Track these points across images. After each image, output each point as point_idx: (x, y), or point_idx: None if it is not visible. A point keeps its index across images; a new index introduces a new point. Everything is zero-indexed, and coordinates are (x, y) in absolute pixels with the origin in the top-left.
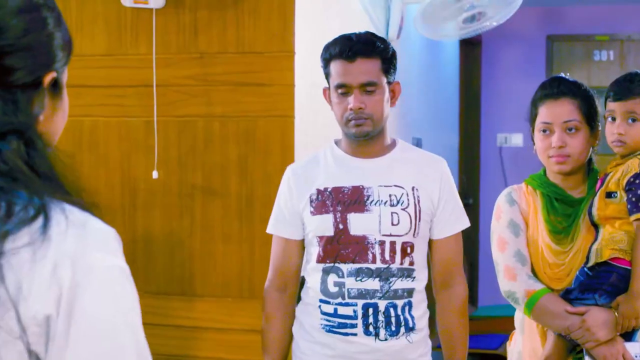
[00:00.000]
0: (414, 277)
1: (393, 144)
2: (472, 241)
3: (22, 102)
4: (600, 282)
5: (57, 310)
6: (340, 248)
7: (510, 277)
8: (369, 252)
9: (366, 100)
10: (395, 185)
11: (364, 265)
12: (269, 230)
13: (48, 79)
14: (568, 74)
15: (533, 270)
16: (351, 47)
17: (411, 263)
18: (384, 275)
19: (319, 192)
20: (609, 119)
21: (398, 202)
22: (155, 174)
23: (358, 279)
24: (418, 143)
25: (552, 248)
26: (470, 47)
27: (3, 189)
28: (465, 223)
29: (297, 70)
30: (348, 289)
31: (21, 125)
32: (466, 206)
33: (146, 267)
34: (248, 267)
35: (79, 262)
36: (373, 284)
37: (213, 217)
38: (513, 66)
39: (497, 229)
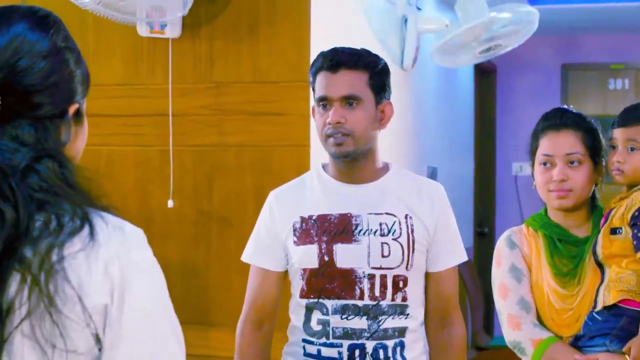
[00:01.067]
0: (408, 315)
1: (385, 168)
2: (487, 270)
3: (51, 130)
4: (610, 327)
5: (112, 300)
6: (325, 282)
7: (514, 327)
8: (356, 287)
9: (347, 115)
10: (387, 213)
11: (351, 302)
12: (244, 258)
13: (72, 110)
14: (572, 106)
15: (539, 318)
16: (334, 58)
17: (404, 299)
18: (372, 313)
19: (302, 220)
20: (612, 147)
21: (389, 231)
22: (170, 203)
23: (344, 316)
24: (433, 172)
25: (559, 292)
26: (485, 76)
27: (50, 203)
28: (463, 256)
29: (312, 100)
30: (333, 328)
31: (53, 150)
32: (481, 235)
33: None
34: None
35: (124, 260)
36: (360, 322)
37: (229, 246)
38: (528, 95)
39: (498, 275)
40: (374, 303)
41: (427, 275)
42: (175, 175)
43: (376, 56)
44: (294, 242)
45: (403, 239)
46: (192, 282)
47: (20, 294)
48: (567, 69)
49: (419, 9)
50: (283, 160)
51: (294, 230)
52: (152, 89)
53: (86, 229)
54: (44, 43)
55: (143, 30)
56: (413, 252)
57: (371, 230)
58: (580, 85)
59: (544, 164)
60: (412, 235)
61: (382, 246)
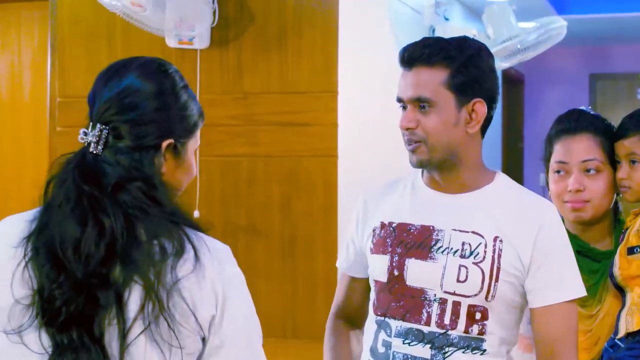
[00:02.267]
0: (484, 351)
1: (489, 178)
2: None
3: (145, 159)
4: (635, 355)
5: (216, 310)
6: (392, 299)
7: (525, 348)
8: (423, 311)
9: (420, 119)
10: (474, 232)
11: (415, 326)
12: (337, 262)
13: (165, 144)
14: (590, 107)
15: None
16: (408, 51)
17: (481, 332)
18: (438, 342)
19: (382, 226)
20: (617, 162)
21: (471, 253)
22: (196, 213)
23: (406, 341)
24: None
25: (579, 313)
26: (513, 86)
27: (138, 218)
28: (577, 292)
29: (340, 110)
30: (394, 352)
31: (145, 175)
32: None
33: None
34: (291, 306)
35: (223, 276)
36: (422, 351)
37: (256, 256)
38: (556, 105)
39: None
40: (442, 331)
41: (531, 312)
42: (203, 185)
43: (466, 47)
44: (371, 249)
45: (485, 265)
46: None
47: (145, 308)
48: (595, 79)
49: (446, 19)
50: (311, 170)
51: (373, 236)
52: None
53: (191, 252)
54: (148, 87)
55: (171, 42)
56: (497, 281)
57: (451, 249)
58: (608, 95)
59: (558, 172)
60: (498, 262)
61: (459, 269)
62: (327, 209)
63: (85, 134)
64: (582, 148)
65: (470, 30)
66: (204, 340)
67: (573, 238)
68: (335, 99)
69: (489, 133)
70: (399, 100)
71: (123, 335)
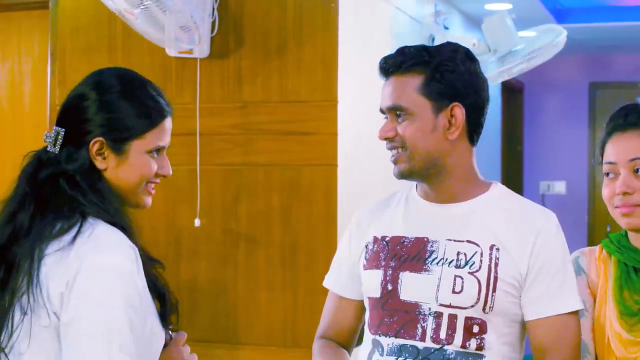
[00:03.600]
0: None
1: (485, 187)
2: None
3: (71, 156)
4: None
5: (66, 289)
6: (385, 315)
7: None
8: (418, 326)
9: (398, 128)
10: (469, 241)
11: (409, 342)
12: (324, 282)
13: (92, 143)
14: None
15: None
16: (384, 61)
17: (479, 347)
18: (433, 358)
19: (375, 240)
20: (606, 174)
21: (467, 263)
22: (197, 222)
23: (399, 359)
24: None
25: (622, 337)
26: (513, 94)
27: (50, 204)
28: (572, 305)
29: (340, 119)
30: None
31: (67, 170)
32: None
33: (190, 314)
34: (292, 315)
35: (86, 261)
36: None
37: (257, 265)
38: (556, 113)
39: None
40: (437, 347)
41: (526, 324)
42: (203, 194)
43: (441, 51)
44: (364, 265)
45: (482, 274)
46: (219, 301)
47: (21, 276)
48: (594, 88)
49: (446, 28)
50: (311, 179)
51: (366, 251)
52: (180, 108)
53: (72, 234)
54: (78, 92)
55: (172, 50)
56: (494, 291)
57: (446, 259)
58: (608, 103)
59: (607, 174)
60: (495, 271)
61: (454, 280)
62: (327, 218)
63: (47, 136)
64: (630, 146)
65: (470, 39)
66: (56, 315)
67: (633, 251)
68: (335, 108)
69: (488, 141)
70: (381, 111)
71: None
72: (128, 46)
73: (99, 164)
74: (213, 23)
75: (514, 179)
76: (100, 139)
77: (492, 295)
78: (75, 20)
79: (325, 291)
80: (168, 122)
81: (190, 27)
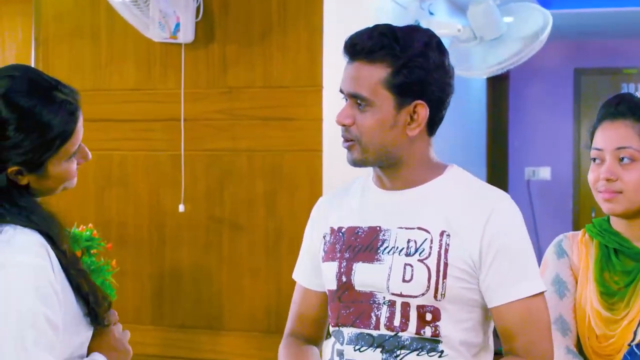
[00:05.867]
0: (442, 353)
1: (438, 171)
2: None
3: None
4: None
5: None
6: (342, 307)
7: None
8: (372, 314)
9: (357, 116)
10: (419, 228)
11: (365, 331)
12: (293, 273)
13: (9, 171)
14: (639, 92)
15: (579, 343)
16: (351, 41)
17: (435, 334)
18: (388, 345)
19: (332, 232)
20: (593, 160)
21: (416, 250)
22: (181, 208)
23: (357, 347)
24: None
25: (602, 315)
26: (498, 81)
27: None
28: (534, 287)
29: (325, 105)
30: None
31: None
32: None
33: (173, 301)
34: (275, 301)
35: None
36: (373, 355)
37: (240, 251)
38: (540, 99)
39: None
40: (392, 334)
41: (490, 311)
42: (187, 180)
43: (412, 43)
44: (322, 257)
45: (431, 261)
46: (203, 287)
47: None
48: (579, 74)
49: (431, 13)
50: (295, 165)
51: (324, 243)
52: (165, 93)
53: None
54: None
55: (156, 36)
56: (444, 278)
57: (397, 248)
58: (593, 89)
59: (594, 160)
60: (445, 257)
61: (404, 268)
62: (311, 205)
63: None
64: (618, 135)
65: (455, 25)
66: None
67: (614, 235)
68: (320, 93)
69: (474, 128)
70: (341, 91)
71: None
72: (112, 33)
73: (21, 181)
74: (198, 9)
75: (499, 165)
76: (16, 167)
77: (443, 282)
78: (58, 6)
79: None
80: (80, 121)
81: (175, 13)
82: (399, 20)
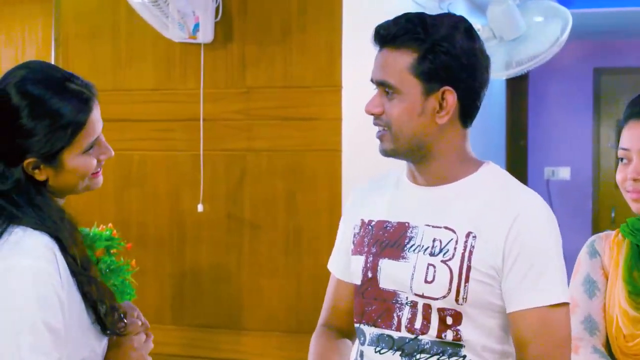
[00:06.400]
0: (465, 358)
1: (472, 168)
2: None
3: (9, 175)
4: None
5: None
6: (365, 304)
7: (572, 349)
8: (394, 315)
9: (386, 105)
10: (446, 227)
11: (386, 332)
12: (328, 263)
13: (26, 163)
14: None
15: (608, 343)
16: (379, 29)
17: (457, 338)
18: (407, 348)
19: (362, 224)
20: (621, 159)
21: (440, 250)
22: (200, 207)
23: (377, 349)
24: None
25: (629, 315)
26: (517, 81)
27: None
28: (556, 296)
29: (344, 104)
30: None
31: (5, 190)
32: None
33: (193, 300)
34: (295, 301)
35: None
36: (393, 358)
37: (260, 251)
38: (560, 99)
39: (571, 287)
40: (412, 337)
41: (508, 316)
42: (206, 180)
43: (438, 27)
44: (352, 250)
45: (454, 263)
46: (222, 286)
47: None
48: (599, 73)
49: None
50: (314, 165)
51: (354, 235)
52: (184, 93)
53: None
54: None
55: (175, 36)
56: (467, 281)
57: (422, 246)
58: (613, 89)
59: (622, 159)
60: (469, 260)
61: (427, 268)
62: (331, 204)
63: None
64: None
65: (474, 24)
66: None
67: None
68: (339, 93)
69: (493, 128)
70: (371, 81)
71: None
72: (131, 32)
73: (39, 176)
74: (217, 8)
75: (518, 164)
76: (33, 159)
77: (465, 286)
78: (79, 6)
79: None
80: (95, 113)
81: (195, 13)
82: None
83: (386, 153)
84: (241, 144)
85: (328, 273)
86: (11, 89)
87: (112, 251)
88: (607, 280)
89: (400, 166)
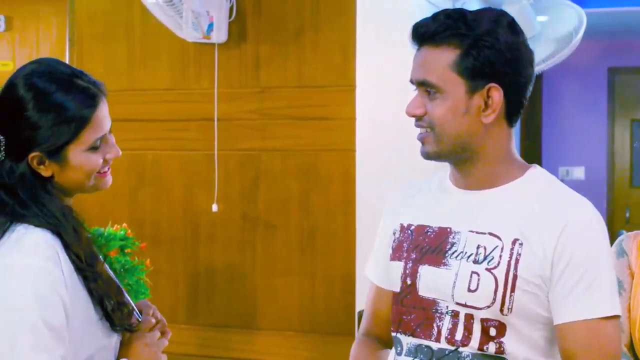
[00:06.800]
0: None
1: (518, 173)
2: None
3: (15, 169)
4: None
5: None
6: (403, 312)
7: None
8: (434, 325)
9: (428, 105)
10: (490, 234)
11: (425, 342)
12: (366, 270)
13: (31, 157)
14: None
15: (632, 344)
16: (417, 27)
17: (500, 351)
18: None
19: (401, 228)
20: None
21: (485, 258)
22: (214, 207)
23: None
24: None
25: None
26: None
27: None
28: (606, 309)
29: (358, 104)
30: None
31: (5, 182)
32: None
33: (208, 299)
34: (309, 300)
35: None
36: None
37: (274, 250)
38: (574, 99)
39: None
40: (452, 348)
41: (555, 328)
42: (221, 179)
43: (481, 22)
44: (390, 255)
45: (500, 272)
46: (237, 286)
47: None
48: (613, 73)
49: None
50: (328, 164)
51: (393, 240)
52: (199, 93)
53: None
54: (6, 101)
55: (189, 36)
56: (512, 291)
57: (465, 253)
58: (628, 88)
59: None
60: (515, 268)
61: (470, 276)
62: (345, 203)
63: None
64: None
65: None
66: None
67: None
68: (353, 93)
69: None
70: (411, 81)
71: None
72: (145, 32)
73: (44, 172)
74: (231, 9)
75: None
76: (37, 153)
77: (511, 296)
78: (92, 6)
79: (342, 276)
80: (102, 110)
81: (209, 13)
82: None
83: (428, 156)
84: (255, 143)
85: (343, 272)
86: (19, 82)
87: (126, 251)
88: (633, 280)
89: (443, 168)
